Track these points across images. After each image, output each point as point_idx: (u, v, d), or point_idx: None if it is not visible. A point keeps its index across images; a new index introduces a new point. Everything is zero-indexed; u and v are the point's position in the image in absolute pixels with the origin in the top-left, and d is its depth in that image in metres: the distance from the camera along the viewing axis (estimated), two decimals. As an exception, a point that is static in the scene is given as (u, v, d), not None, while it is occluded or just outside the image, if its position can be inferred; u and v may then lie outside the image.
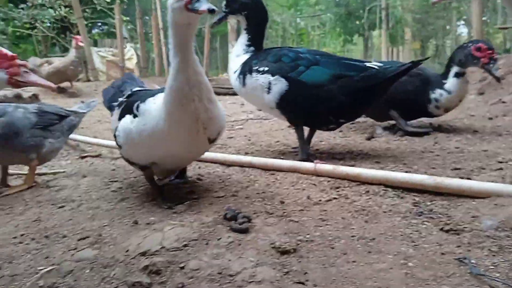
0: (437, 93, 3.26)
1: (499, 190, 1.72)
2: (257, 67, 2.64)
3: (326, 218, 1.68)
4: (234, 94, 7.83)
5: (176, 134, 1.80)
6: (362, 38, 18.18)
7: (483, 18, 7.09)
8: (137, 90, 2.25)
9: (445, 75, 3.29)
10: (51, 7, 11.92)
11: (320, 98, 2.46)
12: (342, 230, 1.58)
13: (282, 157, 2.75)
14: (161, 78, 9.79)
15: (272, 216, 1.72)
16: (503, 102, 4.33)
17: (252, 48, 2.78)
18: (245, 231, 1.56)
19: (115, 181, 2.47)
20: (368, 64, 2.50)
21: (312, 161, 2.36)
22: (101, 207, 2.04)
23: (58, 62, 7.67)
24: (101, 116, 5.64)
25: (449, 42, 17.00)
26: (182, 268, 1.39)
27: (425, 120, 3.71)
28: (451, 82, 3.24)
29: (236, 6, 2.79)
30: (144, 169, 2.10)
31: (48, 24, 13.20)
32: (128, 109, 1.98)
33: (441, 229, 1.55)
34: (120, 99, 2.22)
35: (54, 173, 3.00)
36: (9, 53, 1.35)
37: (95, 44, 12.71)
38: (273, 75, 2.55)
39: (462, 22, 16.45)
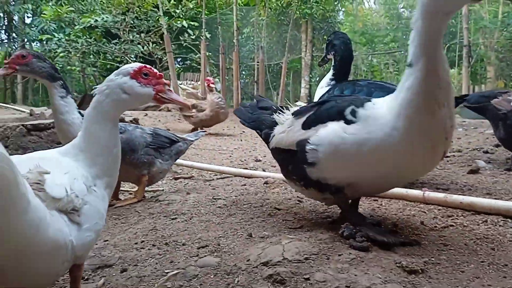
0: None
1: None
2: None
3: (447, 244, 1.64)
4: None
5: (414, 146, 1.54)
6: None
7: None
8: (330, 97, 2.03)
9: None
10: (139, 43, 12.93)
11: None
12: (469, 255, 1.53)
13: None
14: (238, 110, 10.14)
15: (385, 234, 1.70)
16: None
17: (333, 82, 3.11)
18: (365, 249, 1.56)
19: (219, 199, 2.57)
20: None
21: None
22: (212, 220, 2.14)
23: (208, 109, 7.21)
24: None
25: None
26: (307, 279, 1.42)
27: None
28: None
29: (329, 47, 3.23)
30: (336, 193, 1.77)
31: (134, 58, 14.30)
32: (329, 115, 1.71)
33: None
34: (289, 110, 2.04)
35: (154, 191, 3.21)
36: (158, 72, 1.51)
37: (178, 77, 13.51)
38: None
39: None
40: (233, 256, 1.67)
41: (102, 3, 13.00)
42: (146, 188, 3.20)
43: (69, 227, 1.23)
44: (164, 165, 2.76)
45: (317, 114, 1.79)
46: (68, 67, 15.00)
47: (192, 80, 12.48)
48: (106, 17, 12.08)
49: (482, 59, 13.55)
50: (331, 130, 1.66)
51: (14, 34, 20.87)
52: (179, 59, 17.47)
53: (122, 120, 4.40)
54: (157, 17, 11.89)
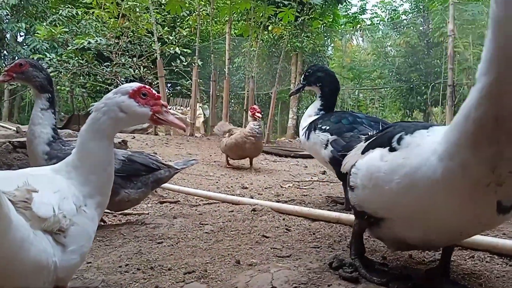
0: None
1: None
2: (320, 125, 3.06)
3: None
4: (295, 156, 7.99)
5: (450, 182, 1.23)
6: (422, 113, 18.07)
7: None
8: (396, 123, 1.82)
9: None
10: (130, 67, 13.00)
11: None
12: (457, 290, 1.53)
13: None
14: (226, 137, 10.17)
15: (378, 269, 1.70)
16: None
17: (322, 112, 3.27)
18: (355, 280, 1.55)
19: (206, 224, 2.55)
20: None
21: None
22: (199, 246, 2.11)
23: (236, 135, 5.89)
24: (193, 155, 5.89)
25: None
26: (296, 308, 1.40)
27: None
28: None
29: (313, 79, 3.35)
30: (367, 221, 1.62)
31: (125, 81, 14.34)
32: (381, 142, 1.55)
33: None
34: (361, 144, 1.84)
35: (139, 214, 3.16)
36: (156, 93, 1.52)
37: (168, 102, 13.55)
38: (331, 134, 2.94)
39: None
40: (221, 283, 1.64)
41: (96, 26, 13.10)
42: (131, 211, 3.16)
43: (54, 248, 1.21)
44: (134, 194, 2.59)
45: (375, 140, 1.65)
46: (58, 87, 14.94)
47: (181, 106, 12.54)
48: (100, 39, 12.15)
49: (466, 99, 13.91)
50: (373, 156, 1.52)
51: (5, 52, 20.81)
52: (169, 85, 17.57)
53: (110, 142, 4.38)
54: (151, 43, 12.02)
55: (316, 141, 3.05)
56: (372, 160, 1.51)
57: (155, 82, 12.04)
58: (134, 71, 13.09)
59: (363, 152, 1.66)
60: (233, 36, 15.50)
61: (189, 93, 11.50)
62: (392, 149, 1.44)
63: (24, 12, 18.44)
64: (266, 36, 14.99)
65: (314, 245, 2.06)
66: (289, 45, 14.02)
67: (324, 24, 15.71)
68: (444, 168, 1.22)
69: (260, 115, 5.98)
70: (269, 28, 13.26)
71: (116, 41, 12.61)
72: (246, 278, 1.62)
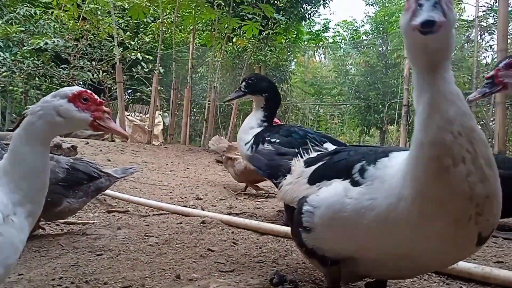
0: None
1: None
2: (269, 138, 2.87)
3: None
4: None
5: (426, 223, 1.11)
6: (379, 131, 18.62)
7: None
8: (350, 146, 1.70)
9: None
10: (89, 70, 12.66)
11: None
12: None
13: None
14: (185, 146, 10.05)
15: (320, 286, 1.69)
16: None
17: (265, 124, 3.10)
18: (294, 297, 1.54)
19: (151, 236, 2.47)
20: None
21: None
22: (140, 259, 2.04)
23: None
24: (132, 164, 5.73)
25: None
26: (232, 326, 1.36)
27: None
28: None
29: (258, 88, 3.15)
30: (328, 265, 1.43)
31: (83, 85, 13.92)
32: (337, 171, 1.38)
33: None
34: (303, 157, 1.73)
35: (84, 223, 3.03)
36: (98, 98, 1.46)
37: (126, 108, 13.26)
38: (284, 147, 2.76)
39: (480, 127, 16.82)
40: (157, 299, 1.58)
41: (55, 27, 12.69)
42: (74, 220, 3.02)
43: None
44: (75, 203, 2.48)
45: (326, 166, 1.48)
46: (10, 87, 14.29)
47: (140, 113, 12.29)
48: (58, 40, 11.77)
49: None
50: (333, 191, 1.33)
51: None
52: (129, 90, 17.21)
53: (59, 147, 4.19)
54: (112, 47, 11.76)
55: (266, 152, 2.98)
56: (334, 197, 1.31)
57: (114, 87, 11.78)
58: (93, 75, 12.74)
59: (311, 182, 1.46)
60: (198, 46, 15.44)
61: (150, 100, 11.31)
62: (355, 183, 1.27)
63: (-22, 7, 17.63)
64: (230, 48, 15.03)
65: (259, 260, 2.04)
66: (252, 57, 14.12)
67: (287, 40, 15.96)
68: (418, 211, 1.10)
69: None
70: (234, 40, 13.31)
71: (75, 43, 12.26)
72: (185, 293, 1.58)
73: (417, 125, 1.11)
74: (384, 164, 1.24)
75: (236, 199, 4.53)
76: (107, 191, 3.97)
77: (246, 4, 10.93)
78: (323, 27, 21.28)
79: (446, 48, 1.09)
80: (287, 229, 2.56)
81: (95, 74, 12.50)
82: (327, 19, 21.45)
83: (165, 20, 12.69)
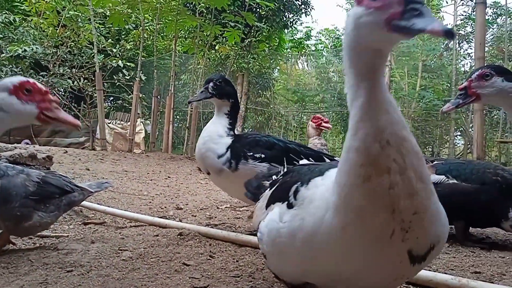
0: None
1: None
2: (252, 153, 2.70)
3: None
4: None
5: (350, 238, 1.06)
6: (362, 138, 18.78)
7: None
8: (302, 164, 1.60)
9: None
10: (70, 78, 12.47)
11: None
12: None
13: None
14: (166, 154, 9.94)
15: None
16: None
17: (232, 132, 2.88)
18: (268, 314, 1.49)
19: (125, 250, 2.40)
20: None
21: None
22: (111, 275, 1.97)
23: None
24: (107, 178, 5.62)
25: (445, 151, 17.51)
26: None
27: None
28: None
29: (226, 92, 2.92)
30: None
31: (63, 93, 13.69)
32: (280, 194, 1.32)
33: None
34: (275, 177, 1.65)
35: (57, 237, 2.93)
36: (43, 87, 1.37)
37: (107, 116, 13.10)
38: (270, 163, 2.64)
39: (459, 133, 17.13)
40: (127, 318, 1.52)
41: (34, 34, 12.48)
42: (49, 233, 2.93)
43: None
44: (47, 218, 2.40)
45: (276, 189, 1.43)
46: (-12, 95, 13.99)
47: (121, 120, 12.15)
48: (36, 47, 11.56)
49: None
50: (272, 217, 1.28)
51: None
52: (111, 98, 17.04)
53: (34, 158, 4.07)
54: (92, 54, 11.62)
55: (251, 172, 2.65)
56: (271, 222, 1.26)
57: (95, 95, 11.63)
58: (73, 82, 12.56)
59: (266, 206, 1.42)
60: (180, 53, 15.39)
61: (131, 107, 11.19)
62: (290, 206, 1.22)
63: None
64: (213, 55, 15.03)
65: (235, 274, 1.99)
66: (235, 65, 14.12)
67: (270, 47, 16.03)
68: (341, 221, 1.05)
69: (330, 126, 4.72)
70: (216, 47, 13.31)
71: (54, 50, 12.07)
72: (155, 312, 1.52)
73: (349, 130, 1.08)
74: (315, 183, 1.20)
75: (217, 208, 4.47)
76: (84, 202, 3.88)
77: (228, 12, 10.94)
78: (305, 35, 21.45)
79: (388, 54, 1.08)
80: (265, 241, 2.52)
81: (76, 82, 12.32)
82: (309, 27, 21.61)
83: (147, 27, 12.61)
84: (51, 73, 12.25)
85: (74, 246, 2.42)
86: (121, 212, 3.41)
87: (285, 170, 1.59)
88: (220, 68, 15.72)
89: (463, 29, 15.82)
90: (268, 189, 1.54)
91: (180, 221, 3.34)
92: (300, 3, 14.72)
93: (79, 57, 12.75)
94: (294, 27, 17.31)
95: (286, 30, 17.12)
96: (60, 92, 13.68)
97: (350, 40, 1.05)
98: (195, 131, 10.73)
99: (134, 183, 6.14)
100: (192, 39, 12.54)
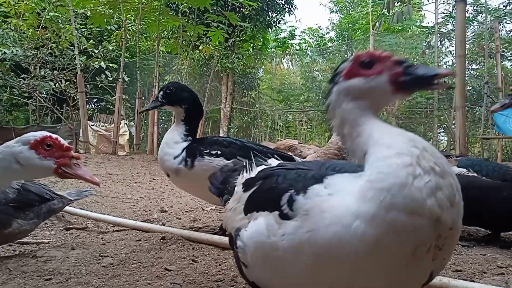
0: None
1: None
2: (208, 150, 2.76)
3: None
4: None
5: (384, 250, 0.98)
6: (347, 135, 18.90)
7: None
8: (280, 164, 1.47)
9: None
10: (51, 80, 12.28)
11: None
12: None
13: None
14: (151, 156, 9.86)
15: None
16: None
17: (190, 138, 2.92)
18: (249, 319, 1.48)
19: (106, 256, 2.36)
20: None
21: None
22: (91, 283, 1.94)
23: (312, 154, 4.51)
24: (88, 188, 5.54)
25: (429, 147, 17.73)
26: None
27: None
28: None
29: (177, 98, 2.93)
30: None
31: (45, 95, 13.49)
32: (265, 202, 1.22)
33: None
34: (245, 175, 1.51)
35: (37, 243, 2.88)
36: (65, 143, 1.38)
37: (90, 118, 12.94)
38: (227, 159, 2.68)
39: (442, 130, 17.36)
40: (105, 327, 1.50)
41: (14, 36, 12.25)
42: (27, 240, 2.87)
43: None
44: (26, 225, 2.37)
45: (257, 194, 1.32)
46: (-32, 98, 13.71)
47: (105, 122, 12.01)
48: (17, 50, 11.35)
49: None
50: (259, 227, 1.18)
51: None
52: (95, 100, 16.84)
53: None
54: (74, 56, 11.46)
55: (208, 168, 2.68)
56: (259, 235, 1.17)
57: (78, 97, 11.48)
58: (55, 85, 12.38)
59: (245, 212, 1.32)
60: (164, 53, 15.28)
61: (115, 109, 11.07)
62: (285, 217, 1.11)
63: None
64: (197, 55, 14.95)
65: (217, 279, 1.98)
66: (219, 65, 14.08)
67: (254, 47, 16.02)
68: (375, 235, 0.97)
69: None
70: (200, 47, 13.24)
71: (35, 52, 11.87)
72: (135, 320, 1.50)
73: (380, 135, 1.08)
74: (316, 192, 1.10)
75: (203, 210, 4.45)
76: (66, 207, 3.82)
77: (211, 12, 10.89)
78: (289, 35, 21.52)
79: None
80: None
81: (57, 84, 12.14)
82: (293, 26, 21.69)
83: (129, 28, 12.48)
84: (32, 75, 12.05)
85: (54, 253, 2.38)
86: (103, 217, 3.37)
87: (261, 170, 1.45)
88: (205, 68, 15.67)
89: (444, 27, 16.02)
90: (241, 188, 1.42)
91: (163, 224, 3.31)
92: (283, 3, 14.74)
93: (60, 58, 12.56)
94: (278, 26, 17.34)
95: (270, 30, 17.14)
96: (42, 95, 13.47)
97: (346, 112, 1.17)
98: (180, 132, 10.64)
99: (118, 186, 6.07)
100: (175, 39, 12.46)
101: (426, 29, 17.28)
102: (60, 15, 11.33)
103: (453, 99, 9.96)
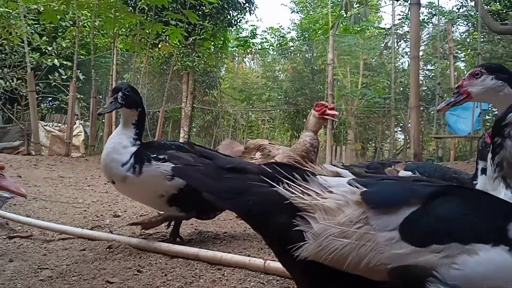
0: None
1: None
2: (156, 155, 2.68)
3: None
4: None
5: None
6: (309, 135, 19.15)
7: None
8: (448, 187, 1.09)
9: (474, 176, 2.77)
10: (2, 78, 11.70)
11: None
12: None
13: (230, 250, 2.65)
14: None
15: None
16: None
17: (138, 142, 2.83)
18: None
19: (45, 268, 2.24)
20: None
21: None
22: (25, 299, 1.82)
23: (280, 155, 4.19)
24: (37, 192, 5.30)
25: (387, 146, 18.23)
26: None
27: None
28: (480, 181, 2.71)
29: (134, 101, 2.85)
30: None
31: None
32: (473, 230, 0.95)
33: None
34: (323, 186, 1.11)
35: (-25, 255, 2.70)
36: None
37: (43, 118, 12.41)
38: (175, 164, 2.59)
39: (399, 128, 17.89)
40: None
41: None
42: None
43: None
44: None
45: (438, 220, 0.97)
46: None
47: (59, 122, 11.54)
48: (-38, 46, 10.73)
49: (344, 123, 15.14)
50: (495, 267, 0.90)
51: None
52: (49, 99, 16.17)
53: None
54: (24, 53, 10.95)
55: (156, 174, 2.64)
56: (495, 276, 0.90)
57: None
58: (6, 83, 11.80)
59: (421, 243, 0.94)
60: (123, 51, 14.88)
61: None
62: None
63: None
64: (157, 53, 14.66)
65: (160, 291, 1.90)
66: (179, 63, 13.86)
67: (215, 45, 15.89)
68: None
69: (336, 113, 3.90)
70: (159, 45, 12.99)
71: (-18, 49, 11.28)
72: None
73: None
74: None
75: (159, 213, 4.33)
76: (8, 214, 3.61)
77: (170, 9, 10.69)
78: (251, 34, 21.51)
79: None
80: (197, 250, 2.44)
81: (8, 82, 11.56)
82: (254, 25, 21.70)
83: (85, 24, 12.06)
84: (-20, 73, 11.44)
85: (-13, 267, 2.23)
86: (46, 224, 3.20)
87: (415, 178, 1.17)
88: (165, 67, 15.39)
89: (401, 29, 16.50)
90: (366, 205, 1.02)
91: (111, 232, 3.18)
92: (244, 2, 14.67)
93: (11, 56, 11.99)
94: (239, 25, 17.29)
95: (231, 28, 17.06)
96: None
97: None
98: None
99: (70, 190, 5.83)
100: (133, 37, 12.15)
101: (384, 30, 17.75)
102: (11, 11, 10.79)
103: (409, 99, 10.27)
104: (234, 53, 19.64)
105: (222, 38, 15.99)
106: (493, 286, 0.88)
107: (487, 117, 12.07)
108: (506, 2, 14.37)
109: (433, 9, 16.82)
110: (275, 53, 19.85)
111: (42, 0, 9.57)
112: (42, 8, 10.68)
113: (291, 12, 24.60)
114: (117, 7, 9.19)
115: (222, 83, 17.84)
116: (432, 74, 16.09)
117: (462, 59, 17.29)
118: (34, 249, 2.78)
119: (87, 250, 2.62)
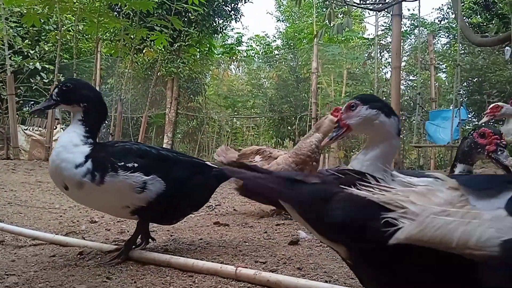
0: None
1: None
2: (123, 163, 2.41)
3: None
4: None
5: None
6: (292, 142, 19.25)
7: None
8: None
9: None
10: (-19, 80, 11.50)
11: (185, 194, 2.65)
12: None
13: (203, 257, 2.64)
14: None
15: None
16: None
17: (90, 140, 2.56)
18: None
19: (12, 275, 2.19)
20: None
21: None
22: (-14, 307, 1.78)
23: (280, 158, 4.31)
24: (13, 197, 5.20)
25: (371, 154, 18.40)
26: None
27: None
28: None
29: (74, 97, 2.58)
30: None
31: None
32: None
33: None
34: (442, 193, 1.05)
35: None
36: None
37: (23, 122, 12.22)
38: (147, 174, 2.42)
39: (382, 137, 18.07)
40: None
41: None
42: None
43: None
44: None
45: None
46: None
47: (40, 127, 11.38)
48: None
49: (327, 131, 15.28)
50: None
51: None
52: (32, 102, 15.94)
53: None
54: (9, 55, 10.78)
55: (123, 186, 2.38)
56: None
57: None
58: (-15, 86, 11.59)
59: None
60: (107, 56, 14.77)
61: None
62: None
63: None
64: (142, 59, 14.59)
65: (128, 298, 1.88)
66: (164, 69, 13.82)
67: (200, 52, 15.90)
68: None
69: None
70: (144, 51, 12.94)
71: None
72: None
73: None
74: None
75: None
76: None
77: (155, 15, 10.67)
78: (236, 41, 21.60)
79: None
80: (169, 257, 2.42)
81: (-13, 85, 11.37)
82: (240, 33, 21.80)
83: (69, 28, 11.95)
84: (-41, 75, 11.22)
85: (-50, 274, 2.17)
86: (18, 230, 3.14)
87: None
88: (149, 72, 15.32)
89: (384, 40, 16.76)
90: (470, 196, 1.02)
91: (83, 238, 3.14)
92: (229, 9, 14.75)
93: (-9, 58, 11.79)
94: (225, 32, 17.35)
95: (216, 36, 17.10)
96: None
97: None
98: (119, 137, 10.31)
99: (47, 195, 5.73)
100: (117, 41, 12.08)
101: (367, 41, 18.00)
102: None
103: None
104: (220, 60, 19.68)
105: (207, 45, 16.02)
106: None
107: (467, 127, 12.30)
108: (487, 15, 14.74)
109: (415, 20, 17.15)
110: (260, 60, 19.96)
111: (25, 2, 9.43)
112: (25, 11, 10.55)
113: (277, 21, 24.85)
114: (101, 11, 9.14)
115: (207, 89, 17.84)
116: (414, 84, 16.37)
117: (443, 70, 17.64)
118: (4, 255, 2.73)
119: (57, 256, 2.57)
